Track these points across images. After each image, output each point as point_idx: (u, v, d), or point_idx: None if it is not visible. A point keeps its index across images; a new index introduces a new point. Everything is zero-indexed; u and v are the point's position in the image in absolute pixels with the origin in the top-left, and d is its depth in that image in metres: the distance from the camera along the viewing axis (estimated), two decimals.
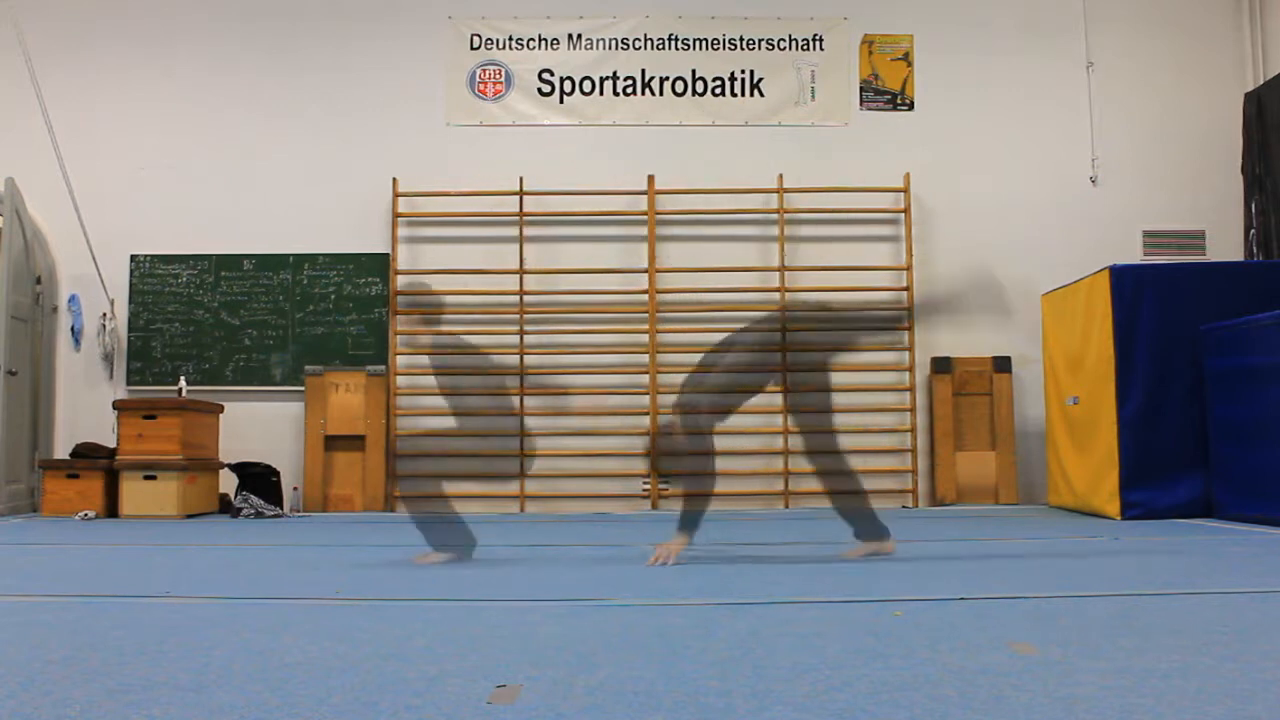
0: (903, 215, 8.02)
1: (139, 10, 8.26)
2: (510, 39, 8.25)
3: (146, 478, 6.96)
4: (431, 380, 8.01)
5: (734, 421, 7.79)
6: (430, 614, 2.92)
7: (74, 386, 8.02)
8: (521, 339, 7.92)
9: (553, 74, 8.22)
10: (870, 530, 4.27)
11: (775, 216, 8.02)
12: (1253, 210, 7.96)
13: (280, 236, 8.06)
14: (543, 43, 8.25)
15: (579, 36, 8.24)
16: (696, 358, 7.75)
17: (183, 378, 7.66)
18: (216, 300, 8.03)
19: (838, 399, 7.86)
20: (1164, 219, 8.17)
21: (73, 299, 8.01)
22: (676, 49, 8.24)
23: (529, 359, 7.92)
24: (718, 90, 8.21)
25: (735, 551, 4.26)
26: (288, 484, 7.62)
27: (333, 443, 7.68)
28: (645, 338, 7.91)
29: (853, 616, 2.80)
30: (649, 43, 8.24)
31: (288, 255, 8.05)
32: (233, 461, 7.38)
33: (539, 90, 8.21)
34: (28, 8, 7.99)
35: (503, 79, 8.21)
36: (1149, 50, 8.30)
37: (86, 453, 7.29)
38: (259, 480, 7.30)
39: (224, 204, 8.09)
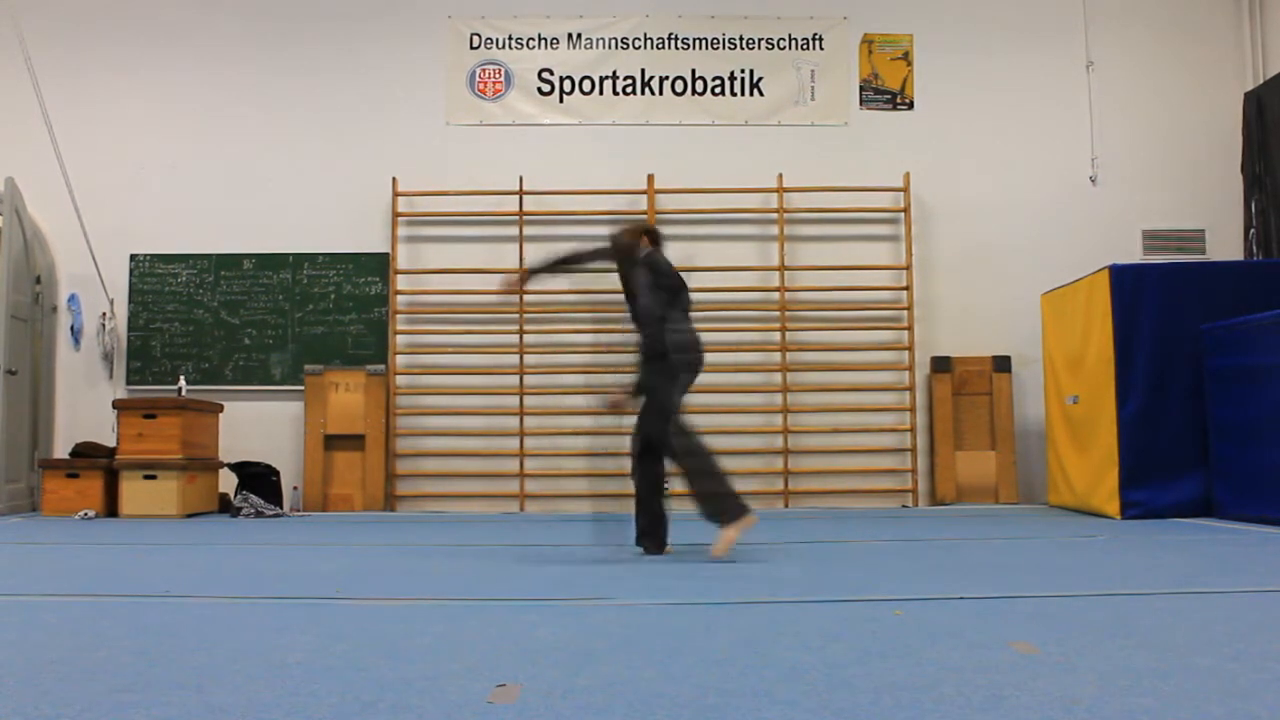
0: (902, 215, 8.02)
1: (139, 10, 8.26)
2: (510, 38, 8.24)
3: (146, 477, 6.96)
4: (431, 380, 8.07)
5: (734, 421, 7.94)
6: (430, 614, 2.92)
7: (74, 386, 8.01)
8: (521, 339, 7.92)
9: (553, 73, 8.22)
10: (732, 508, 4.21)
11: (775, 216, 8.02)
12: (1253, 210, 7.96)
13: (280, 236, 8.06)
14: (542, 42, 8.24)
15: (579, 36, 8.24)
16: None
17: (182, 377, 7.65)
18: (216, 300, 8.03)
19: (838, 399, 7.98)
20: (1164, 219, 8.16)
21: (72, 298, 8.00)
22: (676, 49, 8.23)
23: (529, 359, 7.92)
24: (718, 90, 8.21)
25: (736, 551, 4.26)
26: (288, 483, 7.62)
27: (332, 442, 7.68)
28: None
29: (853, 616, 2.80)
30: (649, 42, 8.23)
31: (287, 255, 8.05)
32: (233, 461, 7.38)
33: (539, 90, 8.21)
34: (27, 8, 7.98)
35: (502, 78, 8.21)
36: (1149, 50, 8.30)
37: (86, 452, 7.29)
38: (259, 480, 7.30)
39: (224, 204, 8.09)
